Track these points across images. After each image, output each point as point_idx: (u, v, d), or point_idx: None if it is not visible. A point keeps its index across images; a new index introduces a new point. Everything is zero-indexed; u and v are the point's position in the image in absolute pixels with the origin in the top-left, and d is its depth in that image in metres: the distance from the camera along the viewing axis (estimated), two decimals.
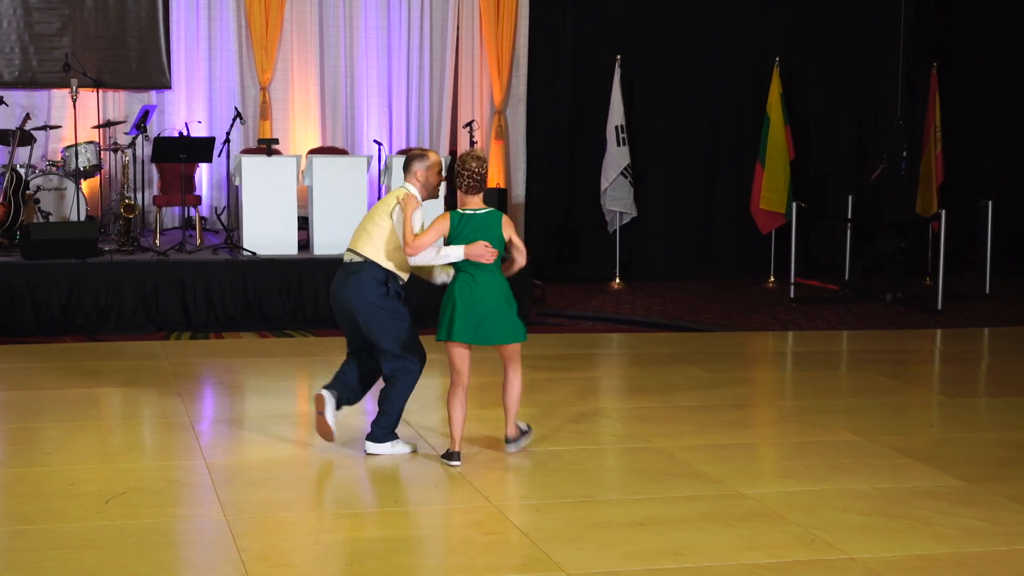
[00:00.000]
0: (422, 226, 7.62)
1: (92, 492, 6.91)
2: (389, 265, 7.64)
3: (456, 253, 7.50)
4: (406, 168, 7.81)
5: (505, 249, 7.67)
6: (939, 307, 14.09)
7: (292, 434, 8.43)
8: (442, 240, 7.61)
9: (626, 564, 5.93)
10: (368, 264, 7.64)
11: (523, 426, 7.94)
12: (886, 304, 14.73)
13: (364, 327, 7.68)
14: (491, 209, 7.64)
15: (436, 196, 7.89)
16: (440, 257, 7.54)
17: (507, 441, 7.89)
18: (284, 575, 5.74)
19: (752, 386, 10.72)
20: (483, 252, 7.45)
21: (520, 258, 7.69)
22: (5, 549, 6.05)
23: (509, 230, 7.65)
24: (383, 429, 7.82)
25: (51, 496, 6.85)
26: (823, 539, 6.31)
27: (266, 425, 8.60)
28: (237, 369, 10.52)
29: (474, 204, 7.60)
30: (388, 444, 7.81)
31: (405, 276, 7.78)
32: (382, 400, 7.81)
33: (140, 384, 9.81)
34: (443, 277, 7.78)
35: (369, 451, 7.80)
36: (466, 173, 7.58)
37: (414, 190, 7.71)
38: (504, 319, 7.54)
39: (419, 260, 7.56)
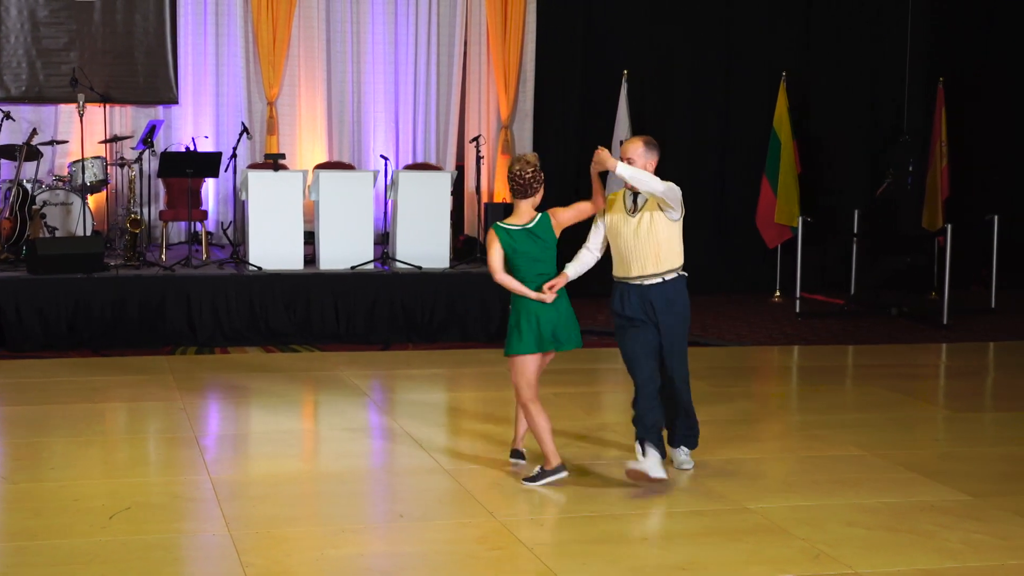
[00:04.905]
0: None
1: (96, 507, 6.91)
2: None
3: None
4: None
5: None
6: (945, 321, 14.08)
7: (297, 449, 8.43)
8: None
9: None
10: None
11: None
12: (892, 318, 14.72)
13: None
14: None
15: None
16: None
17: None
18: None
19: (758, 400, 10.71)
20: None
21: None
22: (9, 564, 6.05)
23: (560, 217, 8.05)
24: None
25: (55, 511, 6.86)
26: (828, 554, 6.30)
27: (271, 440, 8.62)
28: (243, 384, 10.52)
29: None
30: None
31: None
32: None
33: (146, 399, 9.82)
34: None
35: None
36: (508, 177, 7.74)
37: None
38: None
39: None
